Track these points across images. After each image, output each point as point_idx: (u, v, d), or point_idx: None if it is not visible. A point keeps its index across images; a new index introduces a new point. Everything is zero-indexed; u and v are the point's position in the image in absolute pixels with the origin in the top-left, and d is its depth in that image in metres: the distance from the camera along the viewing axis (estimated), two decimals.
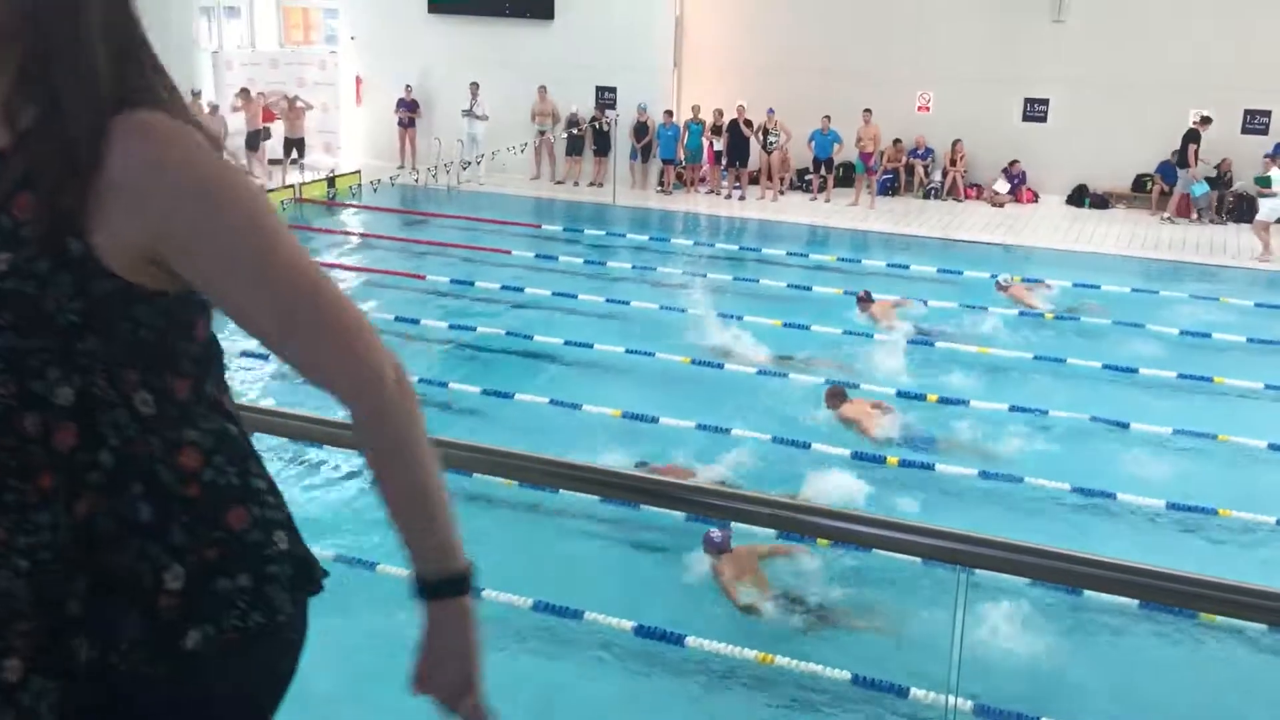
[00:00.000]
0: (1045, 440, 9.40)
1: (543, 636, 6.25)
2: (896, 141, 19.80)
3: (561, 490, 6.42)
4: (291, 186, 18.48)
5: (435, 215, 17.88)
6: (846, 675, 5.91)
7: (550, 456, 2.33)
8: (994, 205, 19.40)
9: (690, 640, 6.13)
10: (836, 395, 9.79)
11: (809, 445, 8.97)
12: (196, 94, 19.02)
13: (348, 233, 17.23)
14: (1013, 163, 19.56)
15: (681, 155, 19.90)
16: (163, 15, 18.11)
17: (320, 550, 1.67)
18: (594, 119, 19.92)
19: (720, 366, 11.07)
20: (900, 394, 10.22)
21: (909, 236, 17.21)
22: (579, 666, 6.15)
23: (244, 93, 19.24)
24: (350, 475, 8.05)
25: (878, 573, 6.94)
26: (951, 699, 4.50)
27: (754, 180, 19.92)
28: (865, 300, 12.77)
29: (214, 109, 18.56)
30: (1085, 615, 6.60)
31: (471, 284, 13.79)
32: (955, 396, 10.25)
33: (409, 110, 20.92)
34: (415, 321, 12.22)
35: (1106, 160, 19.26)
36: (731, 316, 12.56)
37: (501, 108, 20.11)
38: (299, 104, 19.89)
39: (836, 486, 8.03)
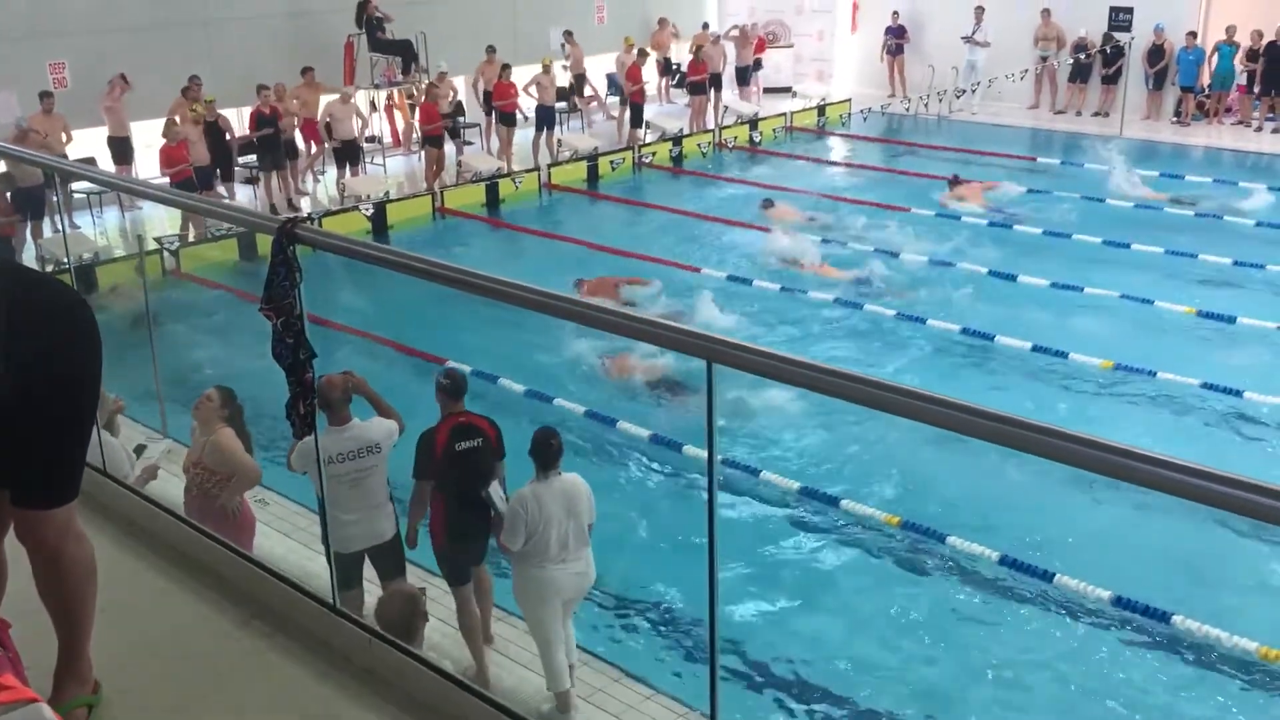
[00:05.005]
0: None
1: None
2: None
3: None
4: (783, 115, 18.84)
5: (923, 145, 17.45)
6: None
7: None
8: None
9: None
10: None
11: None
12: (705, 26, 19.88)
13: (833, 161, 17.29)
14: None
15: (1205, 82, 17.90)
16: None
17: None
18: (1104, 43, 18.40)
19: (1231, 320, 9.98)
20: None
21: None
22: None
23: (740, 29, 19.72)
24: None
25: None
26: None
27: None
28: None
29: (716, 39, 19.24)
30: None
31: (957, 218, 13.35)
32: None
33: (896, 37, 20.50)
34: (895, 255, 12.04)
35: None
36: (1253, 265, 11.26)
37: (1002, 33, 19.12)
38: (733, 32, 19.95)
39: None
